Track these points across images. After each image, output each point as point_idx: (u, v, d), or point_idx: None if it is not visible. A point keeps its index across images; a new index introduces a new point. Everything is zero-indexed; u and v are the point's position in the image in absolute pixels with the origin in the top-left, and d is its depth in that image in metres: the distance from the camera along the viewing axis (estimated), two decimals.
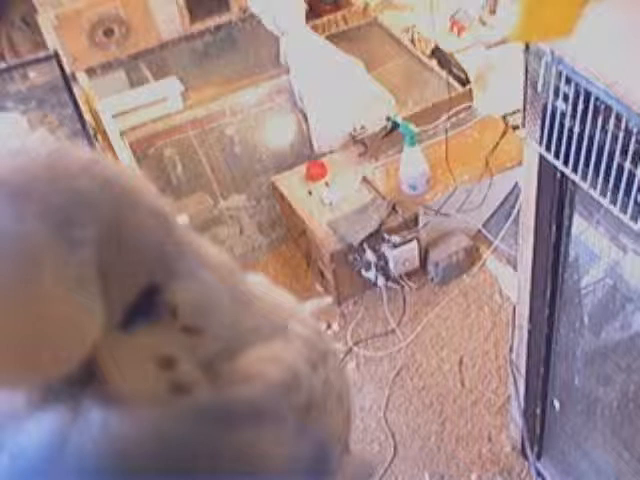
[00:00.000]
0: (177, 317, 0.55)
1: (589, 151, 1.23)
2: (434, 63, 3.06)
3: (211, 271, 0.59)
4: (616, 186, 1.20)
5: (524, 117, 1.36)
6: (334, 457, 0.69)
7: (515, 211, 2.59)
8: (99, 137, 2.68)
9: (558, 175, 1.39)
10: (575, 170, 1.29)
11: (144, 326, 0.53)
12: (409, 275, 2.70)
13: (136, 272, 0.52)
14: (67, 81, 2.32)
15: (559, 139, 1.29)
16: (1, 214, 0.45)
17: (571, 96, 1.22)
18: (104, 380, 0.54)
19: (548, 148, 1.33)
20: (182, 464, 0.56)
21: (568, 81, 1.21)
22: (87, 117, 2.55)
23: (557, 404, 1.85)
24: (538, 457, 2.06)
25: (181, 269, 0.55)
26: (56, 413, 0.54)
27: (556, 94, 1.25)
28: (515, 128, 2.74)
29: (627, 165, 1.17)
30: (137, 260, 0.51)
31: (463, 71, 2.95)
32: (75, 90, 2.42)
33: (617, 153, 1.17)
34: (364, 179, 2.71)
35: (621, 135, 1.15)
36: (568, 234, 1.52)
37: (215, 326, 0.58)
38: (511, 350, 1.91)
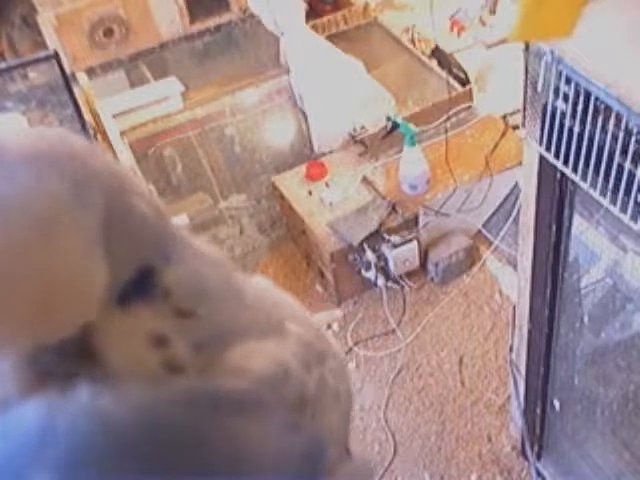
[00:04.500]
0: (170, 299, 0.56)
1: (589, 151, 1.23)
2: (434, 63, 3.06)
3: (204, 263, 0.61)
4: (616, 186, 1.20)
5: (524, 117, 1.36)
6: (327, 457, 0.69)
7: (515, 211, 2.59)
8: (99, 137, 2.68)
9: (558, 175, 1.39)
10: (575, 170, 1.29)
11: (138, 305, 0.55)
12: (409, 275, 2.70)
13: (132, 251, 0.54)
14: (67, 81, 2.32)
15: (559, 139, 1.29)
16: (23, 174, 0.48)
17: (571, 96, 1.22)
18: (98, 359, 0.55)
19: (548, 148, 1.33)
20: (169, 450, 0.57)
21: (568, 81, 1.21)
22: (87, 117, 2.55)
23: (557, 404, 1.85)
24: (538, 457, 2.06)
25: (175, 255, 0.58)
26: (46, 394, 0.55)
27: (556, 94, 1.25)
28: (515, 128, 2.74)
29: (627, 165, 1.17)
30: (133, 240, 0.54)
31: (463, 71, 2.95)
32: (75, 90, 2.42)
33: (617, 153, 1.17)
34: (364, 179, 2.71)
35: (621, 135, 1.15)
36: (568, 234, 1.52)
37: (207, 311, 0.60)
38: (511, 350, 1.91)
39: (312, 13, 3.21)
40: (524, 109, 1.35)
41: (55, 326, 0.51)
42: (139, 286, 0.55)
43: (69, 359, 0.54)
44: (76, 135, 0.54)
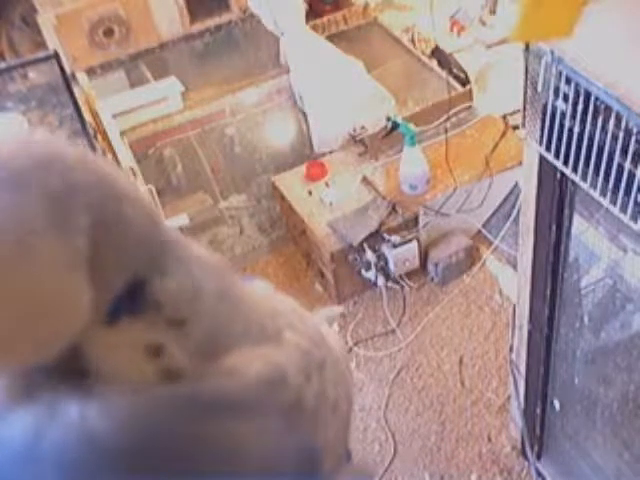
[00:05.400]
0: (162, 310, 0.56)
1: (589, 151, 1.23)
2: (434, 63, 3.06)
3: (199, 269, 0.60)
4: (616, 186, 1.20)
5: (524, 117, 1.36)
6: (322, 468, 0.69)
7: (515, 211, 2.59)
8: (99, 137, 2.68)
9: (558, 175, 1.39)
10: (575, 170, 1.29)
11: (129, 319, 0.54)
12: (409, 275, 2.70)
13: (123, 265, 0.53)
14: (67, 81, 2.32)
15: (559, 139, 1.29)
16: (1, 192, 0.46)
17: (571, 96, 1.22)
18: (89, 373, 0.54)
19: (548, 148, 1.33)
20: (160, 457, 0.56)
21: (568, 81, 1.21)
22: (87, 117, 2.55)
23: (557, 404, 1.85)
24: (538, 457, 2.06)
25: (167, 264, 0.56)
26: (34, 408, 0.54)
27: (556, 94, 1.25)
28: (515, 128, 2.74)
29: (627, 165, 1.17)
30: (123, 254, 0.53)
31: (463, 71, 2.95)
32: (75, 90, 2.42)
33: (617, 153, 1.17)
34: (364, 179, 2.71)
35: (621, 135, 1.15)
36: (568, 234, 1.52)
37: (202, 317, 0.59)
38: (511, 350, 1.91)
39: (312, 13, 3.21)
40: (524, 109, 1.35)
41: (36, 348, 0.50)
42: (130, 300, 0.54)
43: (59, 374, 0.54)
44: (65, 142, 0.53)
